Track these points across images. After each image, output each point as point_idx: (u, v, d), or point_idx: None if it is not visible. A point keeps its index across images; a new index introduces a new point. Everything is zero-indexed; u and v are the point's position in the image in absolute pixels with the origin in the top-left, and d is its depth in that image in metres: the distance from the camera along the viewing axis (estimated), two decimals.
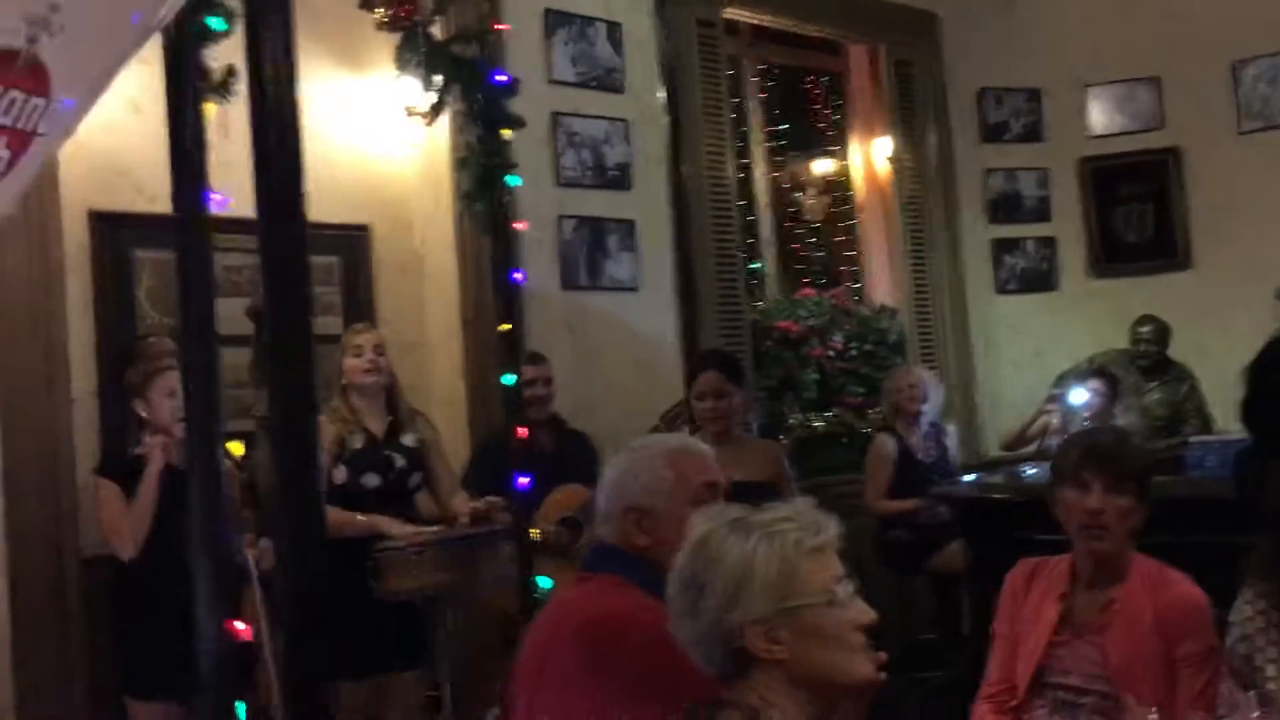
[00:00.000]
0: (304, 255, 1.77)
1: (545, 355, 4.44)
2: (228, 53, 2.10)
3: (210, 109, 1.94)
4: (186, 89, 1.87)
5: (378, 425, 3.74)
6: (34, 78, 1.48)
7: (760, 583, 1.44)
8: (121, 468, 3.51)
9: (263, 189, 1.75)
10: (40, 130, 1.55)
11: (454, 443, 4.77)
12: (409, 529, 3.56)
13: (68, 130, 1.67)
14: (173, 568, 3.17)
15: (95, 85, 1.70)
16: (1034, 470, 4.61)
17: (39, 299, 3.76)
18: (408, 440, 3.84)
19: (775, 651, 1.44)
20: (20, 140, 1.51)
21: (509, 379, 3.45)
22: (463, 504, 3.79)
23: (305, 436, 1.74)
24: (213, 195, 1.95)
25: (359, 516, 3.51)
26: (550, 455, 4.23)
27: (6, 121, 1.48)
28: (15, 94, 1.47)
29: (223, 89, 1.96)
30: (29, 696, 3.70)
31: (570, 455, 4.32)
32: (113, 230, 4.31)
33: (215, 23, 1.84)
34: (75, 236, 4.15)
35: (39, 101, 1.52)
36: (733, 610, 1.44)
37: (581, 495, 4.08)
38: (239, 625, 1.89)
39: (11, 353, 3.69)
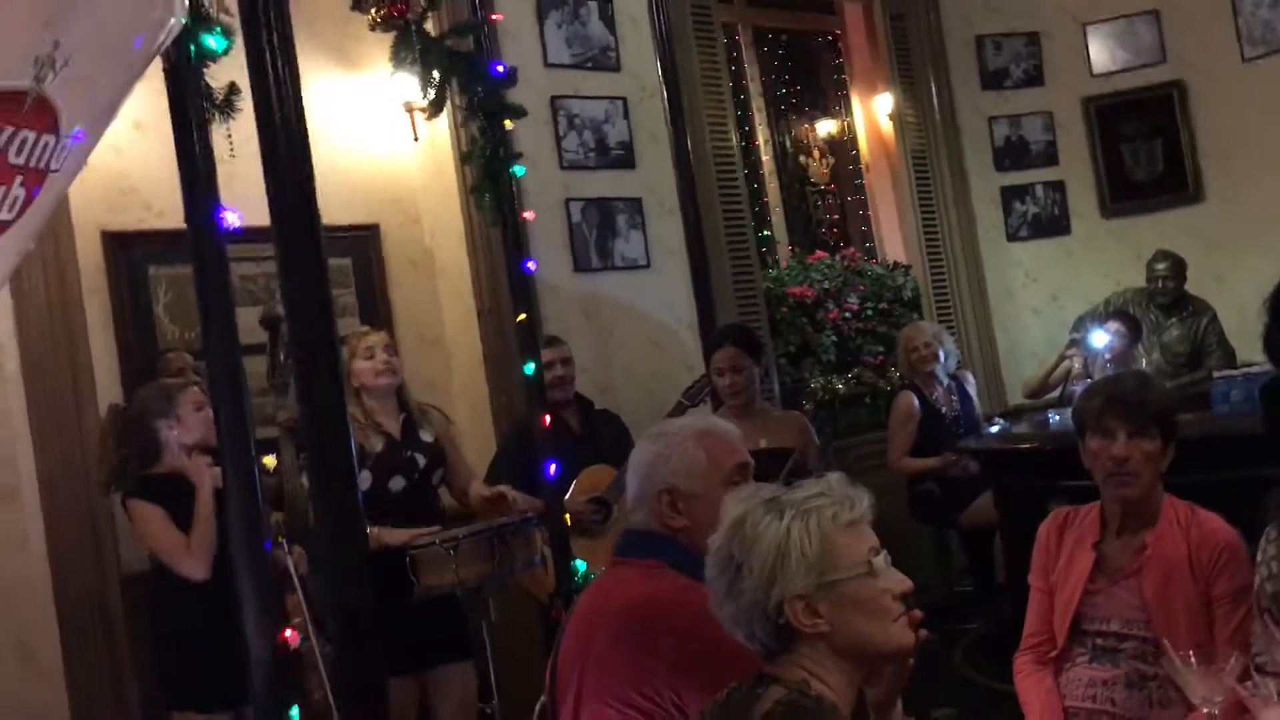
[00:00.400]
0: (322, 263, 1.80)
1: (561, 338, 4.46)
2: (226, 68, 2.12)
3: (216, 127, 1.96)
4: (191, 109, 1.89)
5: (393, 426, 3.73)
6: (42, 116, 1.50)
7: (799, 559, 1.47)
8: (153, 489, 3.41)
9: (276, 201, 1.77)
10: (53, 167, 1.57)
11: (479, 435, 4.81)
12: (407, 535, 3.53)
13: (80, 163, 1.68)
14: (215, 580, 3.24)
15: (103, 114, 1.72)
16: (1059, 417, 4.61)
17: (60, 322, 3.81)
18: (425, 436, 3.84)
19: (818, 625, 1.47)
20: (35, 178, 1.53)
21: (529, 368, 3.46)
22: (477, 490, 3.80)
23: (337, 441, 1.76)
24: (225, 213, 1.97)
25: (370, 530, 3.49)
26: (579, 436, 4.26)
27: (20, 161, 1.50)
28: (27, 134, 1.48)
29: (226, 106, 1.97)
30: (82, 711, 3.77)
31: (599, 435, 4.35)
32: (126, 249, 4.36)
33: (216, 41, 1.85)
34: (90, 258, 4.19)
35: (49, 139, 1.54)
36: (773, 587, 1.47)
37: (610, 475, 4.11)
38: (287, 633, 1.91)
39: (39, 377, 3.74)
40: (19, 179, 1.51)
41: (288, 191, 1.77)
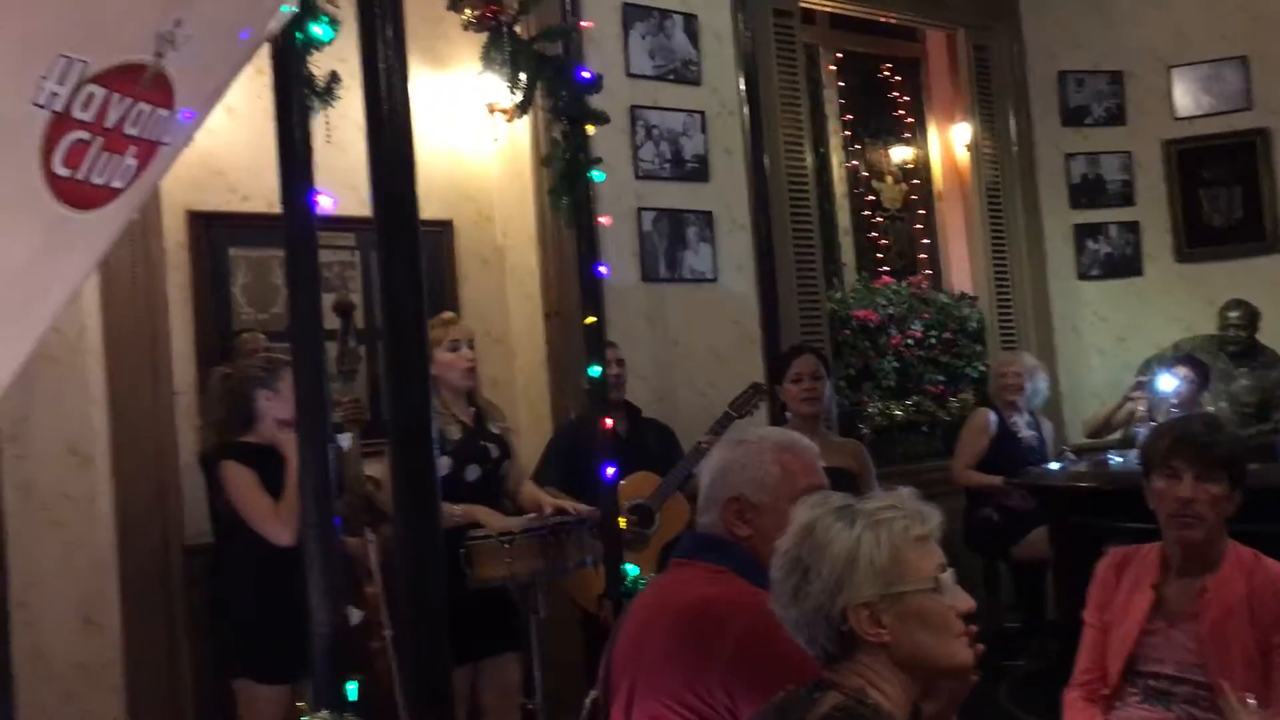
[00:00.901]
0: (418, 253, 1.84)
1: (617, 343, 4.48)
2: (324, 56, 2.18)
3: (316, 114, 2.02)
4: (293, 95, 1.95)
5: (465, 416, 3.81)
6: (160, 90, 1.55)
7: (867, 567, 1.48)
8: (245, 454, 3.48)
9: (378, 190, 1.82)
10: (164, 140, 1.63)
11: (538, 435, 4.86)
12: (503, 519, 3.62)
13: (186, 140, 1.75)
14: (283, 554, 3.30)
15: (212, 95, 1.78)
16: (1120, 458, 4.56)
17: (143, 296, 3.92)
18: (495, 429, 3.91)
19: (880, 634, 1.49)
20: (147, 150, 1.58)
21: (594, 371, 3.49)
22: (545, 498, 3.85)
23: (421, 430, 1.80)
24: (319, 196, 2.02)
25: (455, 508, 3.57)
26: (625, 440, 4.26)
27: (135, 132, 1.55)
28: (143, 106, 1.54)
29: (327, 93, 2.03)
30: (137, 677, 3.87)
31: (645, 441, 4.37)
32: (209, 229, 4.47)
33: (322, 30, 1.91)
34: (175, 235, 4.31)
35: (164, 113, 1.60)
36: (839, 593, 1.48)
37: (653, 483, 4.14)
38: (355, 611, 1.95)
39: (119, 347, 3.85)
40: (132, 149, 1.56)
41: (390, 181, 1.82)
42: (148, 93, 1.54)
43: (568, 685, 4.00)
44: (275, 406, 3.46)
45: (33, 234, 1.45)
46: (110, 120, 1.43)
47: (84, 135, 1.40)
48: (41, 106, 1.33)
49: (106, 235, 1.68)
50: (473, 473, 3.70)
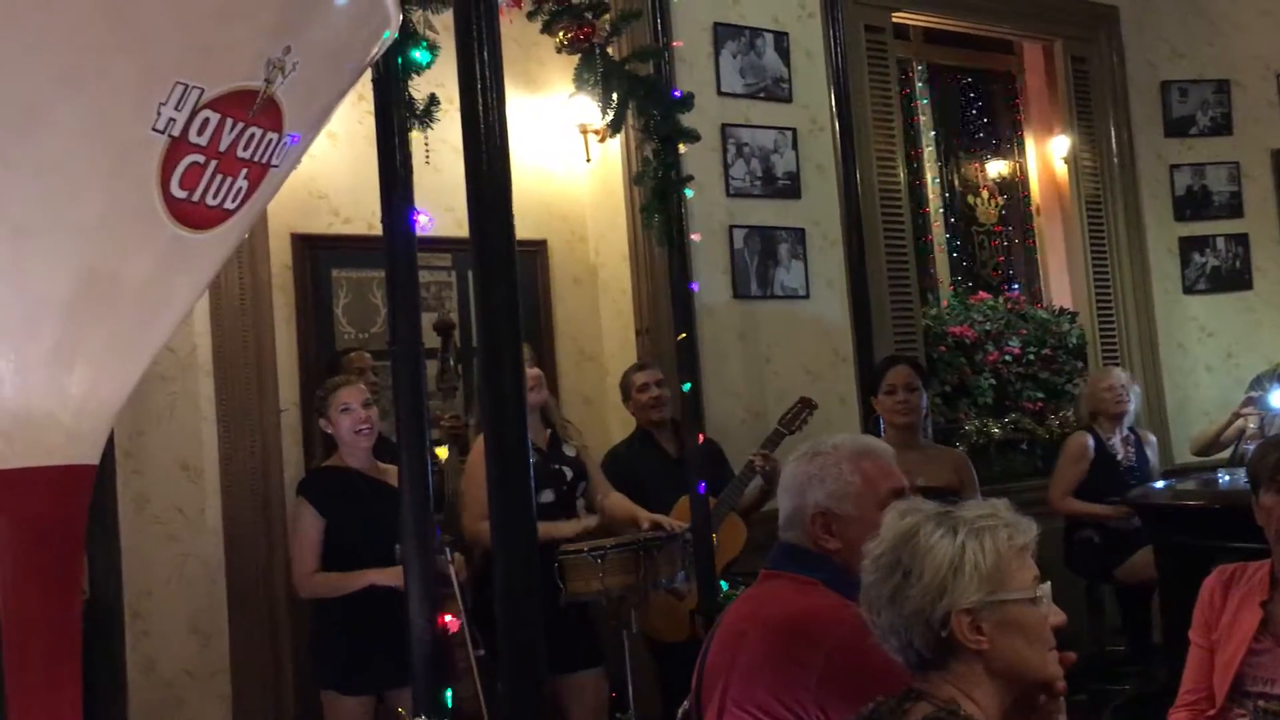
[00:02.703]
0: (514, 273, 1.88)
1: (654, 363, 4.47)
2: (423, 82, 2.25)
3: (415, 136, 2.08)
4: (394, 119, 2.02)
5: (539, 439, 3.83)
6: (269, 115, 1.62)
7: (972, 573, 1.48)
8: (316, 481, 3.67)
9: (475, 210, 1.87)
10: (274, 163, 1.70)
11: None
12: (575, 524, 3.65)
13: (293, 164, 1.82)
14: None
15: (317, 120, 1.85)
16: (1229, 477, 4.41)
17: (250, 316, 4.05)
18: (569, 451, 3.94)
19: (980, 641, 1.48)
20: (258, 173, 1.64)
21: (687, 387, 3.52)
22: (642, 512, 3.87)
23: (518, 447, 1.84)
24: (417, 216, 2.09)
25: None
26: (675, 462, 4.22)
27: (247, 155, 1.62)
28: (254, 130, 1.60)
29: (426, 117, 2.10)
30: (244, 685, 3.99)
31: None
32: (313, 251, 4.60)
33: (421, 56, 1.97)
34: (279, 257, 4.45)
35: (273, 136, 1.66)
36: (942, 598, 1.48)
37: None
38: (447, 619, 2.00)
39: (228, 366, 3.99)
40: (244, 171, 1.63)
41: (487, 202, 1.86)
42: (258, 117, 1.61)
43: (659, 699, 4.02)
44: (336, 432, 3.55)
45: (151, 254, 1.51)
46: (224, 144, 1.49)
47: (199, 158, 1.46)
48: (160, 132, 1.39)
49: (218, 256, 1.75)
50: (546, 496, 3.72)
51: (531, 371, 3.78)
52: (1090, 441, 5.03)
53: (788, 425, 4.29)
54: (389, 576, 3.32)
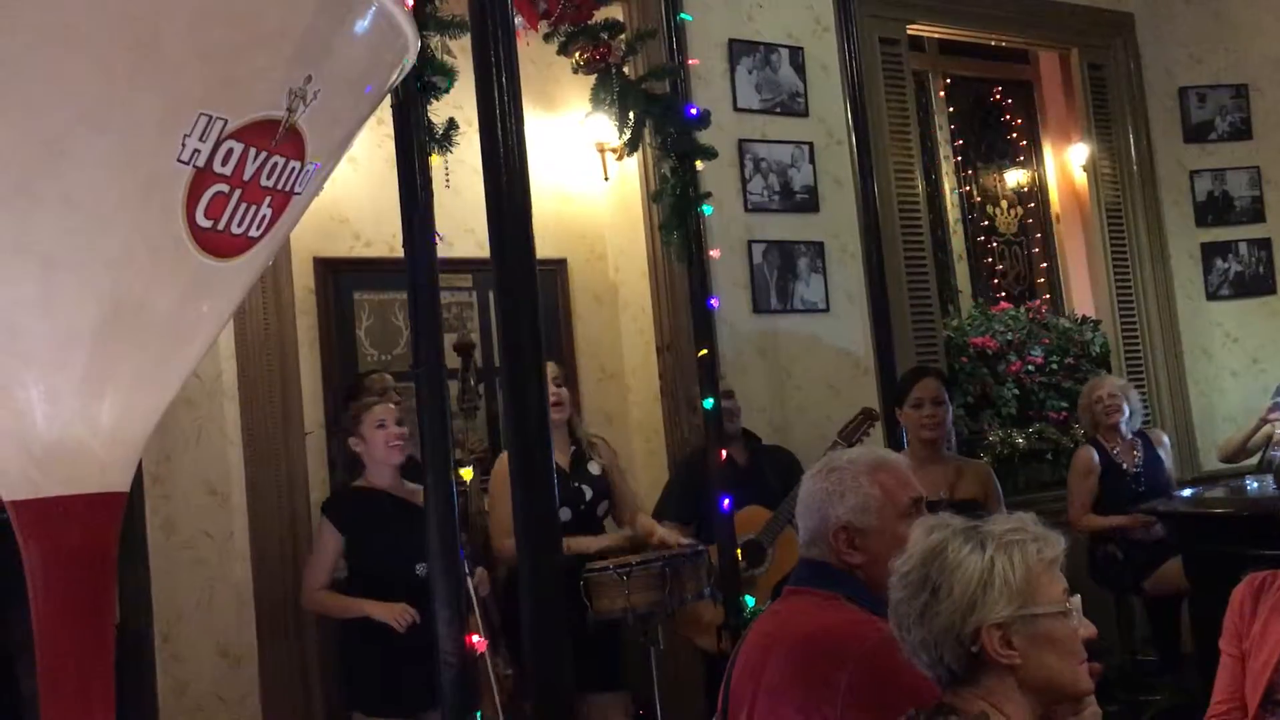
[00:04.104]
0: (535, 292, 1.89)
1: (728, 379, 4.47)
2: (442, 106, 2.27)
3: (434, 159, 2.11)
4: (414, 142, 2.04)
5: (562, 457, 3.83)
6: (292, 143, 1.64)
7: (1002, 588, 1.48)
8: (341, 501, 3.71)
9: (496, 231, 1.88)
10: (296, 190, 1.72)
11: (653, 468, 4.90)
12: (597, 540, 3.66)
13: (316, 190, 1.84)
14: (394, 591, 3.41)
15: (339, 147, 1.87)
16: (1257, 483, 4.38)
17: (275, 340, 4.08)
18: (593, 469, 3.94)
19: (1011, 656, 1.48)
20: (282, 200, 1.66)
21: (709, 403, 3.52)
22: (660, 531, 3.88)
23: (542, 465, 1.85)
24: (437, 238, 2.11)
25: None
26: (744, 470, 4.23)
27: (270, 184, 1.64)
28: (277, 159, 1.62)
29: (445, 140, 2.12)
30: (273, 709, 4.00)
31: (763, 470, 4.33)
32: (335, 274, 4.64)
33: (440, 80, 1.99)
34: (302, 280, 4.49)
35: (296, 164, 1.68)
36: (972, 613, 1.48)
37: (764, 517, 4.08)
38: (474, 639, 2.01)
39: (253, 390, 4.02)
40: (268, 199, 1.65)
41: (508, 223, 1.88)
42: (281, 146, 1.63)
43: (688, 715, 4.02)
44: (364, 450, 3.59)
45: (177, 283, 1.53)
46: (248, 173, 1.51)
47: (223, 188, 1.48)
48: (185, 163, 1.41)
49: (243, 283, 1.77)
50: (564, 515, 3.72)
51: (550, 388, 3.79)
52: (1094, 455, 4.99)
53: (848, 437, 4.25)
54: (384, 611, 3.40)
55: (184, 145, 1.40)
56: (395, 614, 3.37)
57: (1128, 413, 5.07)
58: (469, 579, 3.41)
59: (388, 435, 3.56)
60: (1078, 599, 1.54)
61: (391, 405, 3.68)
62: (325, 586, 3.60)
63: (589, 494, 3.88)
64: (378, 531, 3.55)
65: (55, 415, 1.37)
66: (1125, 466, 5.00)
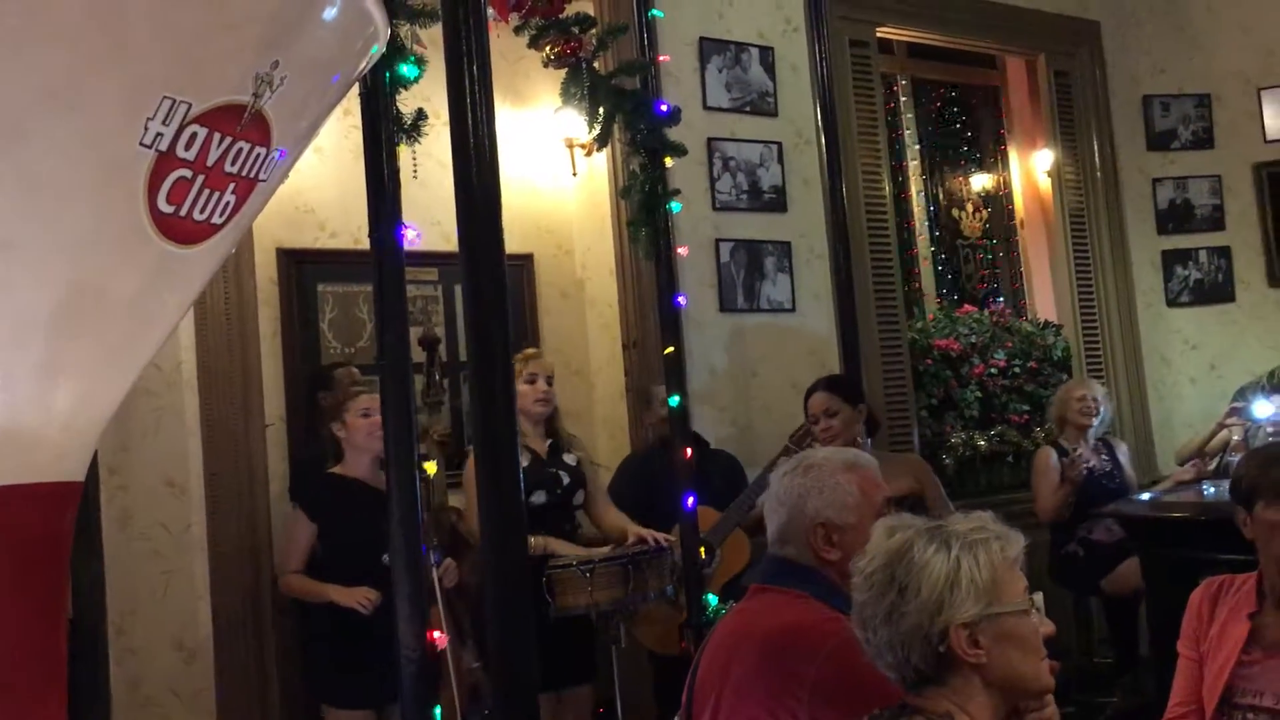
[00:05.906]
0: (504, 287, 1.88)
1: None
2: (410, 96, 2.24)
3: (402, 150, 2.08)
4: (382, 132, 2.01)
5: (539, 446, 3.85)
6: (257, 129, 1.61)
7: (969, 587, 1.49)
8: (318, 488, 3.72)
9: (464, 225, 1.86)
10: (261, 177, 1.69)
11: (618, 463, 4.88)
12: (581, 550, 3.66)
13: (281, 178, 1.81)
14: (362, 579, 3.40)
15: (305, 135, 1.84)
16: (1214, 488, 4.43)
17: (236, 331, 4.03)
18: (569, 459, 3.94)
19: (978, 655, 1.49)
20: (246, 187, 1.64)
21: (674, 400, 3.51)
22: (632, 526, 3.87)
23: (508, 459, 1.83)
24: (405, 230, 2.08)
25: (533, 540, 3.61)
26: (694, 471, 4.22)
27: (234, 170, 1.61)
28: (242, 144, 1.60)
29: (414, 130, 2.09)
30: (230, 703, 3.95)
31: (709, 474, 4.28)
32: (298, 265, 4.58)
33: (409, 70, 1.97)
34: (265, 272, 4.43)
35: (261, 151, 1.66)
36: (940, 613, 1.49)
37: (712, 518, 4.09)
38: (435, 635, 1.99)
39: (213, 381, 3.97)
40: (231, 186, 1.62)
41: (476, 217, 1.86)
42: (246, 132, 1.60)
43: (648, 712, 4.01)
44: (347, 437, 3.60)
45: (138, 269, 1.50)
46: (211, 159, 1.48)
47: (186, 173, 1.45)
48: (147, 146, 1.38)
49: (205, 271, 1.74)
50: (539, 498, 3.73)
51: (541, 387, 3.81)
52: (1053, 454, 5.06)
53: (798, 442, 4.26)
54: (347, 596, 3.46)
55: (146, 129, 1.37)
56: (357, 598, 3.41)
57: (1097, 421, 5.15)
58: (434, 569, 3.41)
59: (371, 424, 3.55)
60: (1039, 596, 1.56)
61: (376, 395, 3.68)
62: (299, 571, 3.64)
63: (566, 480, 3.87)
64: (348, 520, 3.57)
65: (10, 401, 1.33)
66: (1091, 464, 5.06)
